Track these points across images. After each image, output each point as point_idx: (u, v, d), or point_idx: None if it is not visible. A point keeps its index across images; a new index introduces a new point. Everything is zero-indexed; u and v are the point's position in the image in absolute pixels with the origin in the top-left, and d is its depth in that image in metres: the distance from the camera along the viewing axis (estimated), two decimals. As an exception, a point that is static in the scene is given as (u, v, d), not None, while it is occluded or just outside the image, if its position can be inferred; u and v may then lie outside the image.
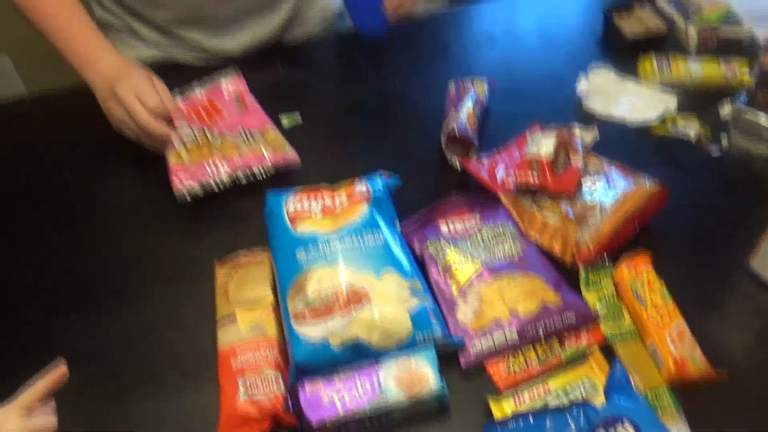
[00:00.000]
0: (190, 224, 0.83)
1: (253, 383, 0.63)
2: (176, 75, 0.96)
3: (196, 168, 0.83)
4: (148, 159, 0.87)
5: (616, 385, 0.59)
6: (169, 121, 0.86)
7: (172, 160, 0.84)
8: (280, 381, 0.63)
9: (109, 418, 0.65)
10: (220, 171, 0.83)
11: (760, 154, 0.88)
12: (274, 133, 0.90)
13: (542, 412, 0.58)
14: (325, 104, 0.99)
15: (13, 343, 0.72)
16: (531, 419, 0.58)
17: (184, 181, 0.82)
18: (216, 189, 0.83)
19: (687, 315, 0.67)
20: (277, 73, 1.05)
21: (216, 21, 1.03)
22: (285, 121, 0.95)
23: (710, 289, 0.73)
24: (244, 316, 0.68)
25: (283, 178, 0.85)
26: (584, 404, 0.58)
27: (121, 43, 1.04)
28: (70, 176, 0.90)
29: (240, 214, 0.83)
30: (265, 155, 0.86)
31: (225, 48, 1.06)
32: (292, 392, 0.61)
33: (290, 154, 0.87)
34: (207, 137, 0.87)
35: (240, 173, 0.84)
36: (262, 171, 0.85)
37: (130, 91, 0.84)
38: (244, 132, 0.89)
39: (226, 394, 0.63)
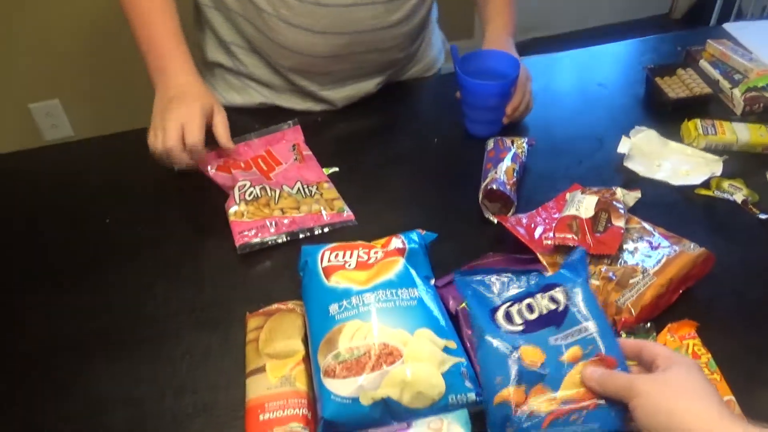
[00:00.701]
0: (225, 274, 0.83)
1: (280, 439, 0.61)
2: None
3: (255, 224, 0.85)
4: (197, 207, 0.89)
5: (570, 263, 0.70)
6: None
7: (231, 215, 0.86)
8: (308, 437, 0.62)
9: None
10: (280, 228, 0.85)
11: (810, 221, 0.85)
12: (329, 189, 0.92)
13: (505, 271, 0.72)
14: (363, 158, 1.00)
15: (41, 391, 0.72)
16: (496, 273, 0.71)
17: (245, 236, 0.84)
18: (272, 244, 0.85)
19: (735, 390, 0.64)
20: (318, 124, 1.07)
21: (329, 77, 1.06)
22: (324, 171, 0.96)
23: (760, 363, 0.69)
24: (275, 369, 0.67)
25: (318, 234, 0.86)
26: (539, 272, 0.72)
27: (225, 83, 1.10)
28: (110, 220, 0.92)
29: (276, 266, 0.84)
30: (323, 214, 0.87)
31: (330, 97, 1.09)
32: (320, 449, 0.60)
33: (346, 214, 0.88)
34: (266, 191, 0.89)
35: (299, 231, 0.86)
36: (321, 229, 0.87)
37: (179, 118, 0.86)
38: (302, 186, 0.90)
39: (252, 448, 0.62)
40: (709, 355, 0.67)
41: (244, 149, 0.96)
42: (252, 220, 0.86)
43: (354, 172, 0.97)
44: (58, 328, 0.78)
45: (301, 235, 0.86)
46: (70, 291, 0.82)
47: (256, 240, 0.84)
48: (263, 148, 0.98)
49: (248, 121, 1.03)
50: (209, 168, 0.92)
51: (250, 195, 0.88)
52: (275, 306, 0.75)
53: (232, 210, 0.87)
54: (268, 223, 0.85)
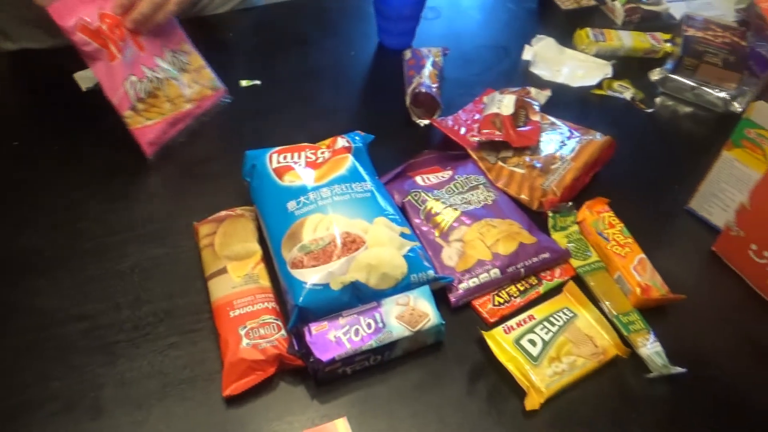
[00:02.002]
0: (162, 188, 0.81)
1: (255, 330, 0.63)
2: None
3: (157, 127, 0.82)
4: (98, 120, 0.85)
5: None
6: None
7: (130, 122, 0.80)
8: (281, 326, 0.64)
9: (101, 373, 0.63)
10: (178, 125, 0.84)
11: (685, 112, 0.98)
12: (193, 53, 0.87)
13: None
14: (282, 71, 0.99)
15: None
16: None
17: (152, 144, 0.81)
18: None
19: (645, 249, 0.75)
20: (228, 39, 1.04)
21: None
22: (244, 83, 0.95)
23: (659, 227, 0.81)
24: (236, 269, 0.68)
25: (251, 143, 0.85)
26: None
27: None
28: (19, 142, 0.85)
29: (212, 176, 0.83)
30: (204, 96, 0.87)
31: None
32: (297, 335, 0.62)
33: (220, 89, 0.89)
34: (155, 83, 0.82)
35: (193, 123, 0.86)
36: (206, 115, 0.87)
37: None
38: (174, 56, 0.84)
39: (228, 342, 0.63)
40: (622, 224, 0.77)
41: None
42: (154, 122, 0.82)
43: (273, 85, 0.96)
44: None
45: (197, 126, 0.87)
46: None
47: (160, 145, 0.83)
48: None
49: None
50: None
51: (143, 91, 0.81)
52: (224, 213, 0.74)
53: (129, 113, 0.80)
54: (168, 124, 0.83)
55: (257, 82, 0.96)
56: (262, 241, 0.72)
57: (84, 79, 0.91)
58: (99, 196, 0.79)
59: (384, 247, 0.67)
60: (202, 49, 0.88)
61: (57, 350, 0.65)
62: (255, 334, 0.63)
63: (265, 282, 0.68)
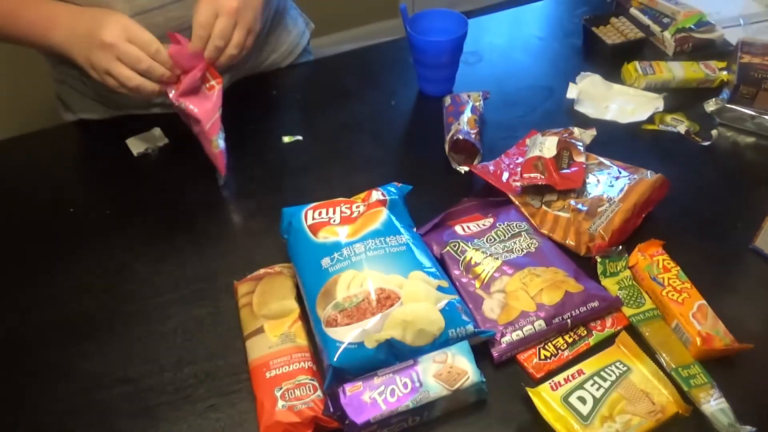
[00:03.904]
0: (203, 248, 0.83)
1: (290, 391, 0.62)
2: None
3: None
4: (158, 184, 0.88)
5: None
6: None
7: (214, 145, 0.85)
8: (317, 387, 0.63)
9: (141, 440, 0.64)
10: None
11: (746, 143, 0.92)
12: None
13: None
14: (323, 125, 1.01)
15: (21, 372, 0.70)
16: None
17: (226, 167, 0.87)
18: None
19: (705, 294, 0.69)
20: (272, 98, 1.07)
21: None
22: (286, 139, 0.97)
23: (720, 269, 0.75)
24: (273, 328, 0.68)
25: (291, 199, 0.86)
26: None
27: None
28: (74, 209, 0.89)
29: (253, 233, 0.84)
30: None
31: None
32: (332, 395, 0.61)
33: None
34: None
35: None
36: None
37: (121, 35, 0.75)
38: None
39: (264, 405, 0.62)
40: (678, 268, 0.72)
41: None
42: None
43: (315, 140, 0.98)
44: (34, 315, 0.76)
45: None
46: (42, 276, 0.80)
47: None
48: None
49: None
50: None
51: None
52: (263, 271, 0.75)
53: (215, 138, 0.85)
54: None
55: (299, 137, 0.97)
56: (300, 299, 0.72)
57: (135, 144, 0.96)
58: (144, 258, 0.81)
59: (420, 303, 0.65)
60: (245, 107, 0.91)
61: (101, 414, 0.66)
62: (291, 396, 0.62)
63: (303, 341, 0.68)
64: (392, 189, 0.77)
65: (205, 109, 0.83)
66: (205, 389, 0.68)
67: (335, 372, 0.62)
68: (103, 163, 0.96)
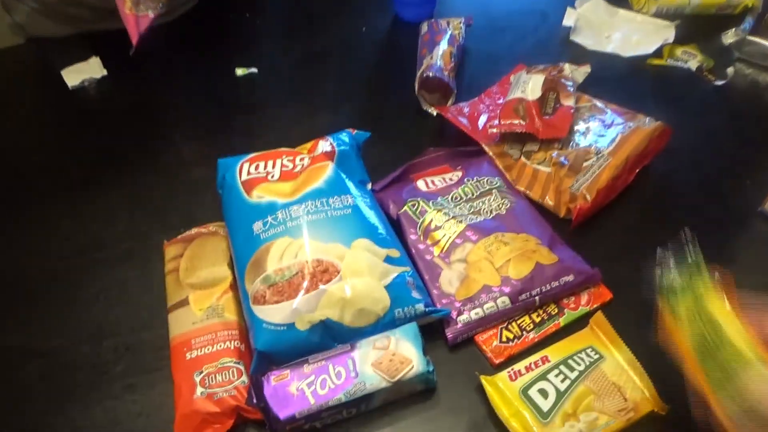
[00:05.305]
0: (137, 200, 0.73)
1: (211, 376, 0.55)
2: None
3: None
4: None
5: None
6: None
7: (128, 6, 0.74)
8: (243, 372, 0.56)
9: (53, 422, 0.57)
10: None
11: (767, 83, 0.79)
12: None
13: None
14: (282, 56, 0.89)
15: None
16: None
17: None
18: None
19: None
20: (226, 21, 0.94)
21: None
22: (239, 71, 0.85)
23: (725, 238, 0.65)
24: (199, 300, 0.60)
25: (239, 144, 0.76)
26: None
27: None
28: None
29: (194, 187, 0.74)
30: None
31: None
32: (256, 384, 0.53)
33: None
34: None
35: None
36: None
37: None
38: None
39: (181, 391, 0.55)
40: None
41: None
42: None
43: (272, 73, 0.86)
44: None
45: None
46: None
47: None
48: None
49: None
50: None
51: None
52: (195, 230, 0.66)
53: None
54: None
55: (254, 69, 0.86)
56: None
57: (71, 76, 0.85)
58: (68, 212, 0.72)
59: (362, 277, 0.56)
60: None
61: (8, 393, 0.59)
62: (211, 381, 0.55)
63: (232, 315, 0.59)
64: (344, 138, 0.67)
65: None
66: (125, 366, 0.60)
67: (261, 357, 0.54)
68: (33, 96, 0.85)
